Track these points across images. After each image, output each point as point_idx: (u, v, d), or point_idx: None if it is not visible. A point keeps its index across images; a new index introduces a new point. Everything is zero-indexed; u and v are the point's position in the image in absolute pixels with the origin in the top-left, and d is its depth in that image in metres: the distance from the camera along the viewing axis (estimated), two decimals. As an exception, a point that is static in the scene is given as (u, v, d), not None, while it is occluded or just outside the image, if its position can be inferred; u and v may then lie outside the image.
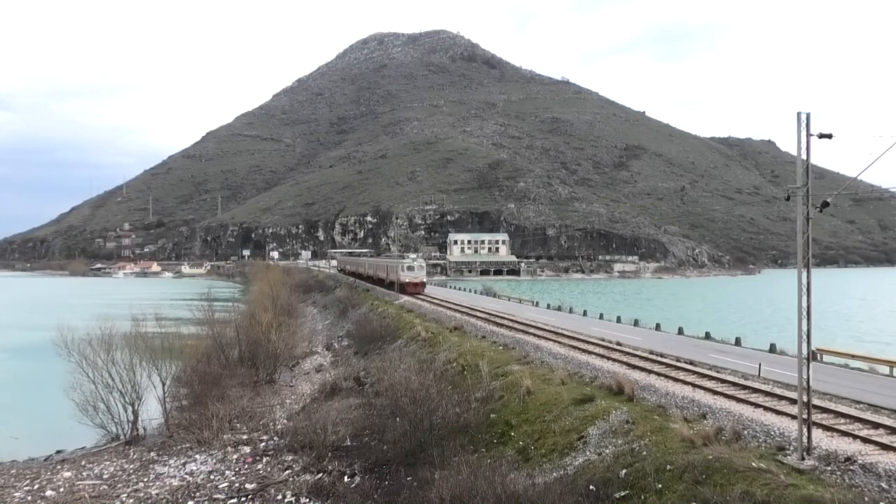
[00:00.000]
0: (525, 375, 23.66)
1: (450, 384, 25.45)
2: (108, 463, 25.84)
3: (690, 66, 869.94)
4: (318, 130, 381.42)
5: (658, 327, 42.08)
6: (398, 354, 35.05)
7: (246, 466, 24.15)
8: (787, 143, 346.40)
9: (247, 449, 26.16)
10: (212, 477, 23.27)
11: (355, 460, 22.37)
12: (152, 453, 26.69)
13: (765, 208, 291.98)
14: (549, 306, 58.84)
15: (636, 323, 44.42)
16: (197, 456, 25.74)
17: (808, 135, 13.67)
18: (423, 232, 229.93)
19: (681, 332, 39.23)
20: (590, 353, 28.05)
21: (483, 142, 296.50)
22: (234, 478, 23.03)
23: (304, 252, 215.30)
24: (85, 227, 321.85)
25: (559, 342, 31.08)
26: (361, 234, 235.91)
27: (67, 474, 24.51)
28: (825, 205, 13.34)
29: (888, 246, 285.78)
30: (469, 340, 34.05)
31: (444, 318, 42.59)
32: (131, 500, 21.53)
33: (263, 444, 26.77)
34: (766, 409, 17.83)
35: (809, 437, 14.07)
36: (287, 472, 22.98)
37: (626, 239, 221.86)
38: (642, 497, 13.84)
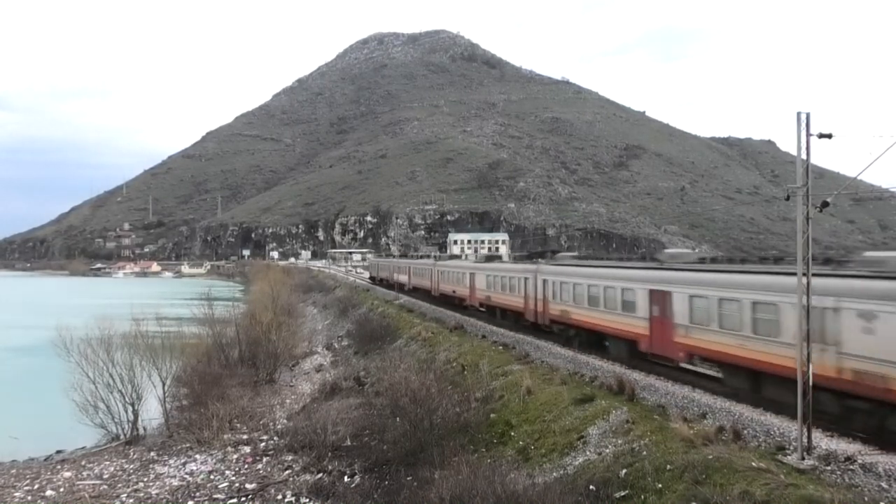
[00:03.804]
0: (525, 375, 23.64)
1: (450, 384, 25.42)
2: (108, 463, 25.86)
3: (690, 65, 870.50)
4: (318, 130, 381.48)
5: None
6: (398, 354, 35.02)
7: (246, 466, 24.14)
8: (787, 143, 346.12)
9: (247, 449, 26.15)
10: (212, 477, 23.26)
11: (355, 460, 22.34)
12: (152, 453, 26.70)
13: (765, 208, 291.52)
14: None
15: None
16: (197, 456, 25.74)
17: (808, 135, 13.65)
18: (422, 232, 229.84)
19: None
20: (590, 352, 28.04)
21: (483, 142, 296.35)
22: (234, 478, 23.01)
23: (304, 252, 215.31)
24: (85, 227, 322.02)
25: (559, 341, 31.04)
26: (361, 234, 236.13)
27: (67, 474, 24.52)
28: (825, 205, 13.32)
29: (888, 246, 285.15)
30: (469, 340, 34.06)
31: (445, 318, 42.54)
32: (131, 500, 21.53)
33: (263, 443, 26.76)
34: (765, 408, 17.83)
35: (809, 437, 14.07)
36: (287, 471, 22.97)
37: (626, 239, 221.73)
38: (642, 497, 13.82)
